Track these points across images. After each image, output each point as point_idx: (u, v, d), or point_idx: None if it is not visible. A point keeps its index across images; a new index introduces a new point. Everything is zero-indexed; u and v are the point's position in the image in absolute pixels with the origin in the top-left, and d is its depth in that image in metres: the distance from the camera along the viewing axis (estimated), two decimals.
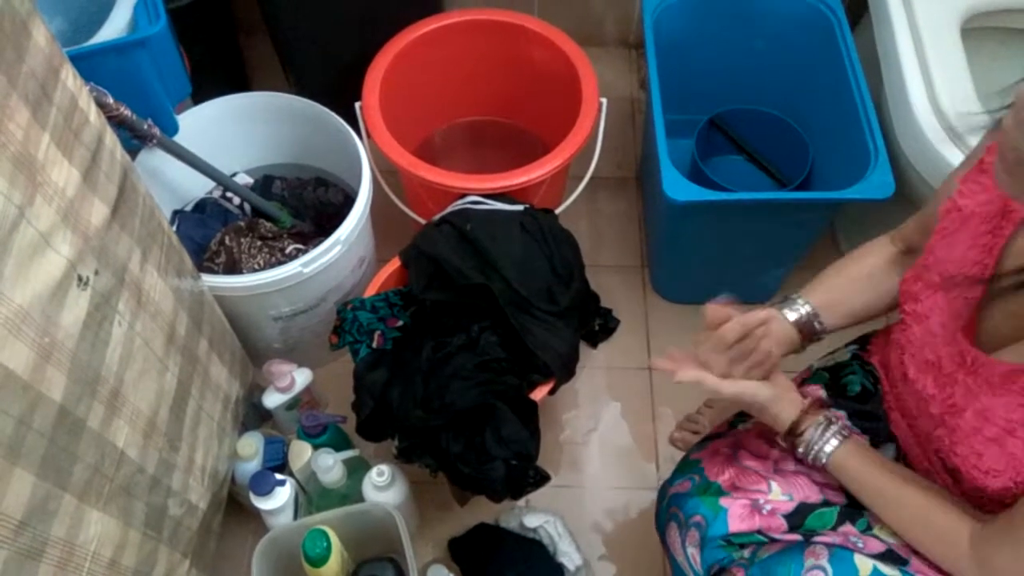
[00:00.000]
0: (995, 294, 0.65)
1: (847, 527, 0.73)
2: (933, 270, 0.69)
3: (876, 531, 0.72)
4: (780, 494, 0.77)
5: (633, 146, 1.60)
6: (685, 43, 1.35)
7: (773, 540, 0.76)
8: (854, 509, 0.74)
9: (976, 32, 1.23)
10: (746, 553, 0.76)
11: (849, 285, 0.82)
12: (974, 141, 1.05)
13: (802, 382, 0.87)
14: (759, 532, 0.76)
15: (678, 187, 1.11)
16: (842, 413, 0.81)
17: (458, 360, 1.01)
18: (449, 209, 1.16)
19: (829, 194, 1.13)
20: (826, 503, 0.76)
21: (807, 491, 0.77)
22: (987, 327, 0.66)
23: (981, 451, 0.63)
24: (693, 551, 0.79)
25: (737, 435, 0.88)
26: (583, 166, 1.27)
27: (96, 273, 0.69)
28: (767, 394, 0.75)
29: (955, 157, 1.08)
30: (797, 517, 0.75)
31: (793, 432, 0.75)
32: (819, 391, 0.83)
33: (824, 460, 0.74)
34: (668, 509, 0.85)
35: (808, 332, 0.81)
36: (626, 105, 1.65)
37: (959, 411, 0.64)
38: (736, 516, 0.77)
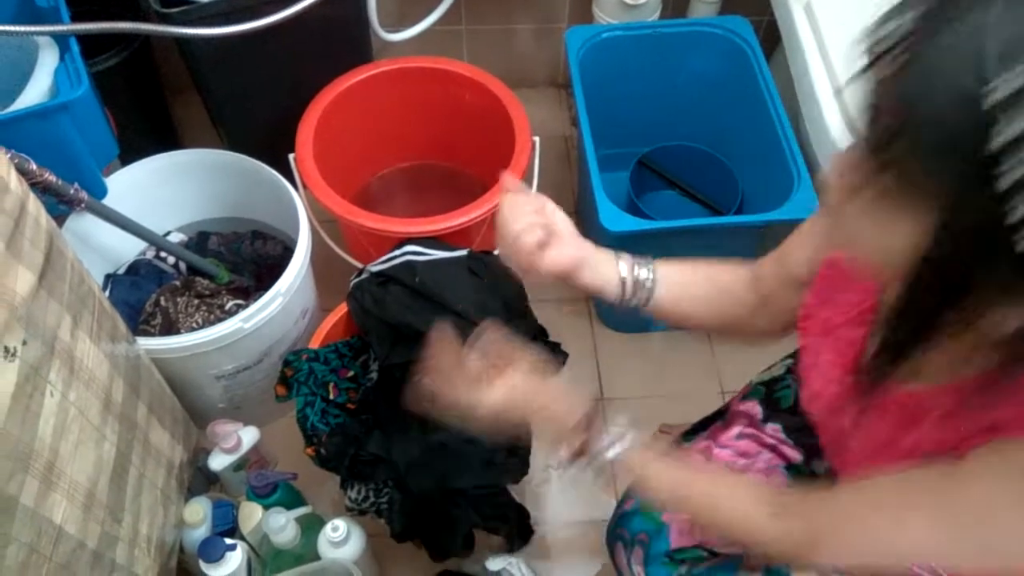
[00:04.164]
0: (877, 331, 0.67)
1: None
2: (816, 314, 0.70)
3: None
4: None
5: (570, 182, 1.63)
6: (611, 81, 1.39)
7: (714, 554, 0.77)
8: None
9: None
10: (683, 570, 0.77)
11: (700, 282, 0.81)
12: None
13: (742, 399, 0.88)
14: (699, 547, 0.77)
15: (614, 219, 1.13)
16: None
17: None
18: (390, 264, 1.13)
19: (754, 217, 1.17)
20: None
21: None
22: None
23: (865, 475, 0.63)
24: (639, 569, 0.80)
25: (679, 452, 0.89)
26: None
27: (24, 343, 0.67)
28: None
29: None
30: None
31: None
32: (756, 407, 0.85)
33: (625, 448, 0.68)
34: (615, 529, 0.86)
35: (629, 293, 0.78)
36: (560, 143, 1.68)
37: (848, 436, 0.65)
38: (677, 531, 0.78)
